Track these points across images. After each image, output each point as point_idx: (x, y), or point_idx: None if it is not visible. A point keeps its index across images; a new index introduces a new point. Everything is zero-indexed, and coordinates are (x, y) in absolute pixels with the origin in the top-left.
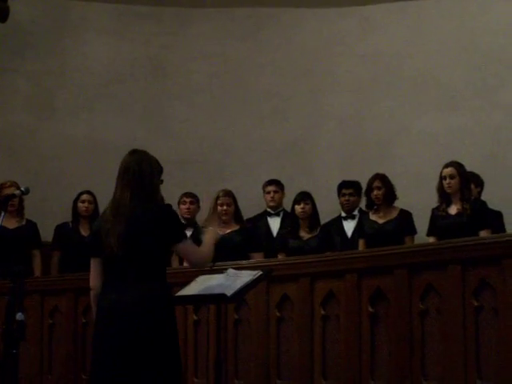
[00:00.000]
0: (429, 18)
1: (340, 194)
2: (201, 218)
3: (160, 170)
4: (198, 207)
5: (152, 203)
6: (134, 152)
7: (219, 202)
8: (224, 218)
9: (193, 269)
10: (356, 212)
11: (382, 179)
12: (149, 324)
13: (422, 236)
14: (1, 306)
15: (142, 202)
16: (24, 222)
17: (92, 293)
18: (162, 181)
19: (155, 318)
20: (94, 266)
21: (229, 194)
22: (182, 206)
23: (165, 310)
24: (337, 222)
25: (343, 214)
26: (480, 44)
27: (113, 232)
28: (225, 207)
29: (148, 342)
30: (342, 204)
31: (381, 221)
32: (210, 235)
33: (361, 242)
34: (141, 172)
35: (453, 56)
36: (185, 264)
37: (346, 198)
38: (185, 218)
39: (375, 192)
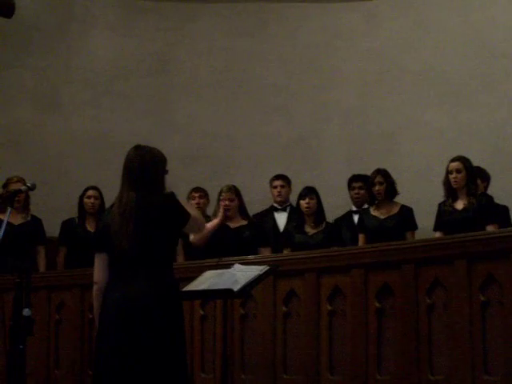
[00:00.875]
0: (434, 12)
1: (350, 187)
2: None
3: (164, 161)
4: (208, 201)
5: (158, 196)
6: (137, 147)
7: (221, 197)
8: (228, 213)
9: (200, 263)
10: (366, 206)
11: (383, 174)
12: (158, 316)
13: (428, 231)
14: (8, 302)
15: (147, 198)
16: (29, 218)
17: (96, 287)
18: (167, 171)
19: (164, 310)
20: (99, 261)
21: (231, 189)
22: (192, 202)
23: (174, 302)
24: (347, 217)
25: (354, 208)
26: (486, 38)
27: (122, 232)
28: (227, 202)
29: (157, 335)
30: (352, 198)
31: (382, 216)
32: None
33: (361, 237)
34: (144, 168)
35: (458, 50)
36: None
37: (356, 191)
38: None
39: (377, 187)
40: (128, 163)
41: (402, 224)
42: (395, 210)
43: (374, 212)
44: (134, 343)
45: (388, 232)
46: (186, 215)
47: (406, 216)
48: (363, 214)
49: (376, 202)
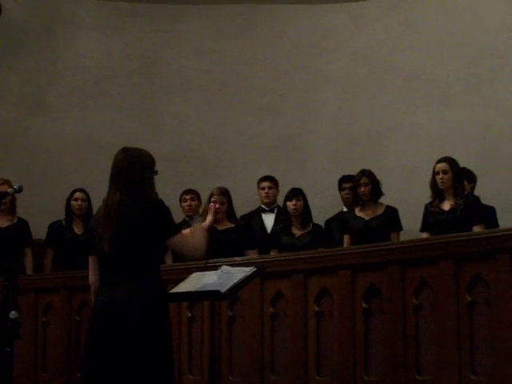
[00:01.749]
0: (421, 13)
1: (340, 188)
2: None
3: (152, 162)
4: (200, 203)
5: (143, 200)
6: (125, 150)
7: (212, 199)
8: (217, 216)
9: (188, 265)
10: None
11: (368, 175)
12: (139, 321)
13: (415, 232)
14: None
15: (132, 201)
16: (15, 221)
17: (91, 289)
18: (156, 172)
19: (146, 316)
20: (91, 262)
21: (223, 192)
22: (184, 204)
23: (156, 307)
24: (338, 217)
25: (344, 209)
26: (472, 39)
27: (104, 235)
28: (217, 205)
29: (139, 340)
30: (342, 198)
31: (367, 217)
32: (199, 226)
33: (346, 238)
34: (131, 171)
35: (445, 51)
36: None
37: (346, 191)
38: (187, 216)
39: (362, 188)
40: (115, 166)
41: (386, 225)
42: (380, 210)
43: (358, 213)
44: (117, 347)
45: (373, 233)
46: (172, 228)
47: (391, 217)
48: (348, 214)
49: (361, 202)
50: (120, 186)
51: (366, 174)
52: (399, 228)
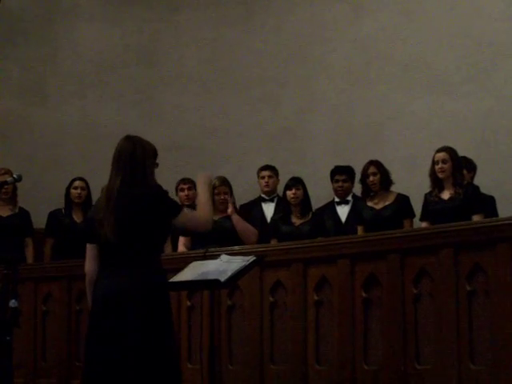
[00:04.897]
0: (421, 2)
1: (333, 179)
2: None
3: (154, 154)
4: (196, 192)
5: (143, 187)
6: (128, 138)
7: (216, 191)
8: (221, 207)
9: (187, 254)
10: (349, 197)
11: (376, 165)
12: (140, 309)
13: (415, 221)
14: None
15: (132, 188)
16: (17, 210)
17: (86, 278)
18: (157, 164)
19: (147, 304)
20: (89, 251)
21: (225, 182)
22: (181, 193)
23: (157, 295)
24: (330, 207)
25: (336, 199)
26: (472, 29)
27: (105, 221)
28: (222, 196)
29: (140, 327)
30: (335, 190)
31: (378, 206)
32: (201, 186)
33: (359, 229)
34: (133, 158)
35: (445, 41)
36: (181, 249)
37: (340, 184)
38: (185, 205)
39: (371, 178)
40: (117, 152)
41: (398, 213)
42: (391, 199)
43: (369, 203)
44: (118, 335)
45: (385, 222)
46: (175, 207)
47: (403, 204)
48: (359, 205)
49: (371, 193)
50: (121, 172)
51: (374, 163)
52: (412, 215)
